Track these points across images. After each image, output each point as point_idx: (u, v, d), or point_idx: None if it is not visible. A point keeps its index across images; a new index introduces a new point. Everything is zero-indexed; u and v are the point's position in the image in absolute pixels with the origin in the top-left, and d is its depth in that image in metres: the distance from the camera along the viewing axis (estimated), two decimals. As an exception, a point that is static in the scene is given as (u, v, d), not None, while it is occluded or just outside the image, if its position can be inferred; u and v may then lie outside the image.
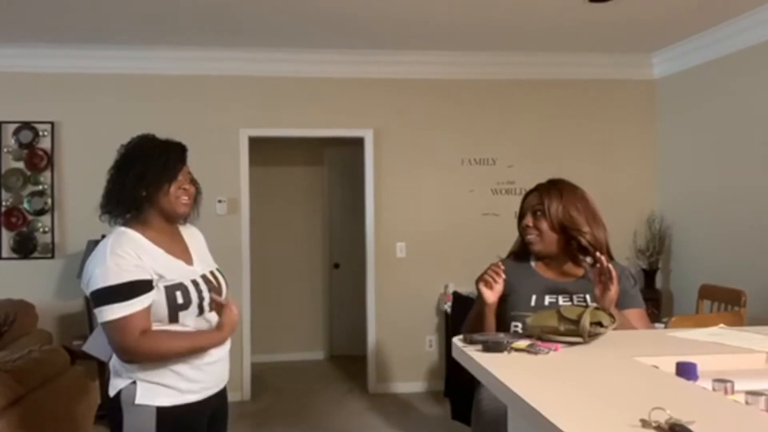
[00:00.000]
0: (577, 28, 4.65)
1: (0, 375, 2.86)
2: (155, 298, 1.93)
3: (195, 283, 2.02)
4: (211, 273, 2.15)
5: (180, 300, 1.96)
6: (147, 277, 1.92)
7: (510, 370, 1.50)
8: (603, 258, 2.10)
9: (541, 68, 5.43)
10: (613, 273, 2.07)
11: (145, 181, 1.97)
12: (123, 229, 2.00)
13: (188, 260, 2.08)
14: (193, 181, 2.10)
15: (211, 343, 2.04)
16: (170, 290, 1.96)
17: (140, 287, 1.90)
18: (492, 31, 4.73)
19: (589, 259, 2.25)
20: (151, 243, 1.99)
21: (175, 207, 2.03)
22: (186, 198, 2.05)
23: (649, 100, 5.60)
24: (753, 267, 4.38)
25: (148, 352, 1.92)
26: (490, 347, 1.71)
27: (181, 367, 1.98)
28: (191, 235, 2.21)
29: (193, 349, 1.99)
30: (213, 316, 2.09)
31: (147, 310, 1.91)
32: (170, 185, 2.00)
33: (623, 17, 4.39)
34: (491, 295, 2.21)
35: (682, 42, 5.04)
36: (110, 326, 1.88)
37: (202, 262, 2.15)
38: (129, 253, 1.91)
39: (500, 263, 2.28)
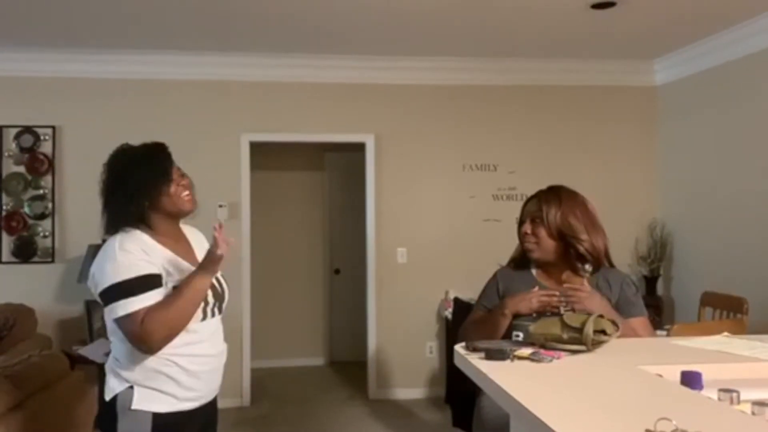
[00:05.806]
0: (580, 34, 4.65)
1: (-1, 380, 2.85)
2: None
3: None
4: (215, 278, 2.10)
5: None
6: (157, 271, 1.91)
7: (513, 378, 1.49)
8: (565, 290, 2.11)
9: (543, 74, 5.43)
10: (580, 294, 2.09)
11: (144, 190, 1.96)
12: (130, 229, 1.98)
13: (194, 262, 2.07)
14: (184, 174, 2.08)
15: (200, 280, 1.93)
16: None
17: (152, 281, 1.89)
18: (494, 37, 4.73)
19: (587, 266, 2.23)
20: (158, 244, 1.98)
21: (179, 205, 2.03)
22: (187, 193, 2.04)
23: (651, 106, 5.59)
24: (755, 274, 4.36)
25: (159, 328, 1.84)
26: (492, 355, 1.70)
27: (179, 375, 1.96)
28: (194, 235, 2.20)
29: (190, 296, 1.90)
30: (215, 322, 2.08)
31: None
32: (169, 186, 1.99)
33: (626, 24, 4.39)
34: (525, 308, 2.17)
35: (684, 49, 5.04)
36: (125, 321, 1.85)
37: None
38: (137, 249, 1.91)
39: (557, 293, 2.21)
